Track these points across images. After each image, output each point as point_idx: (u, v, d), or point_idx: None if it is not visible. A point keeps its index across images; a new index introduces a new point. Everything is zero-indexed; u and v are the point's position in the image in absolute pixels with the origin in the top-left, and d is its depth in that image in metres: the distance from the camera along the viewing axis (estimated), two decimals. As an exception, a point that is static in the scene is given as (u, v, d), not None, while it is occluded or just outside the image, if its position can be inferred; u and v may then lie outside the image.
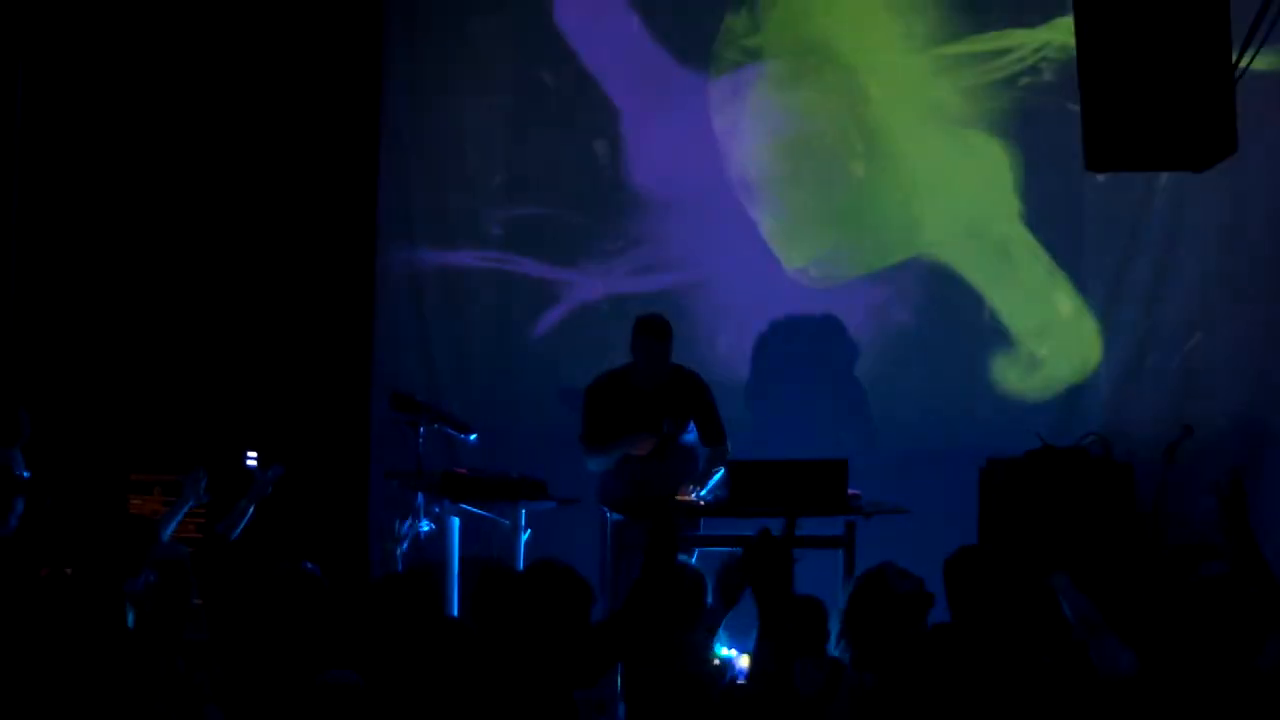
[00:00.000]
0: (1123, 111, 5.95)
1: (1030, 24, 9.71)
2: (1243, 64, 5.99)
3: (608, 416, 8.42)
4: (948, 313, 9.84)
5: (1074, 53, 6.21)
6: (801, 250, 9.87)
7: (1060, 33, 9.29)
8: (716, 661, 6.69)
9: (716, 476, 8.16)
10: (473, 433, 8.58)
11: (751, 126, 9.93)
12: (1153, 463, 8.76)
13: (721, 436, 8.54)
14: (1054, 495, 8.65)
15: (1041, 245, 9.76)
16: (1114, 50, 5.97)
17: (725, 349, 9.74)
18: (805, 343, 9.84)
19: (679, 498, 8.08)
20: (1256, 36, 6.08)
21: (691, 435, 8.53)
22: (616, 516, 8.13)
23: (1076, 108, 6.17)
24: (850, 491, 7.99)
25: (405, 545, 8.33)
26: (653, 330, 8.37)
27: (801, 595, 5.98)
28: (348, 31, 9.84)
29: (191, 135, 9.79)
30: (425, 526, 8.38)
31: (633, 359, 8.47)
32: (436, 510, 8.39)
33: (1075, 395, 9.74)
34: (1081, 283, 9.78)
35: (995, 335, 9.81)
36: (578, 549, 8.22)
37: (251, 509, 7.85)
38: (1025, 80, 9.75)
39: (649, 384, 8.44)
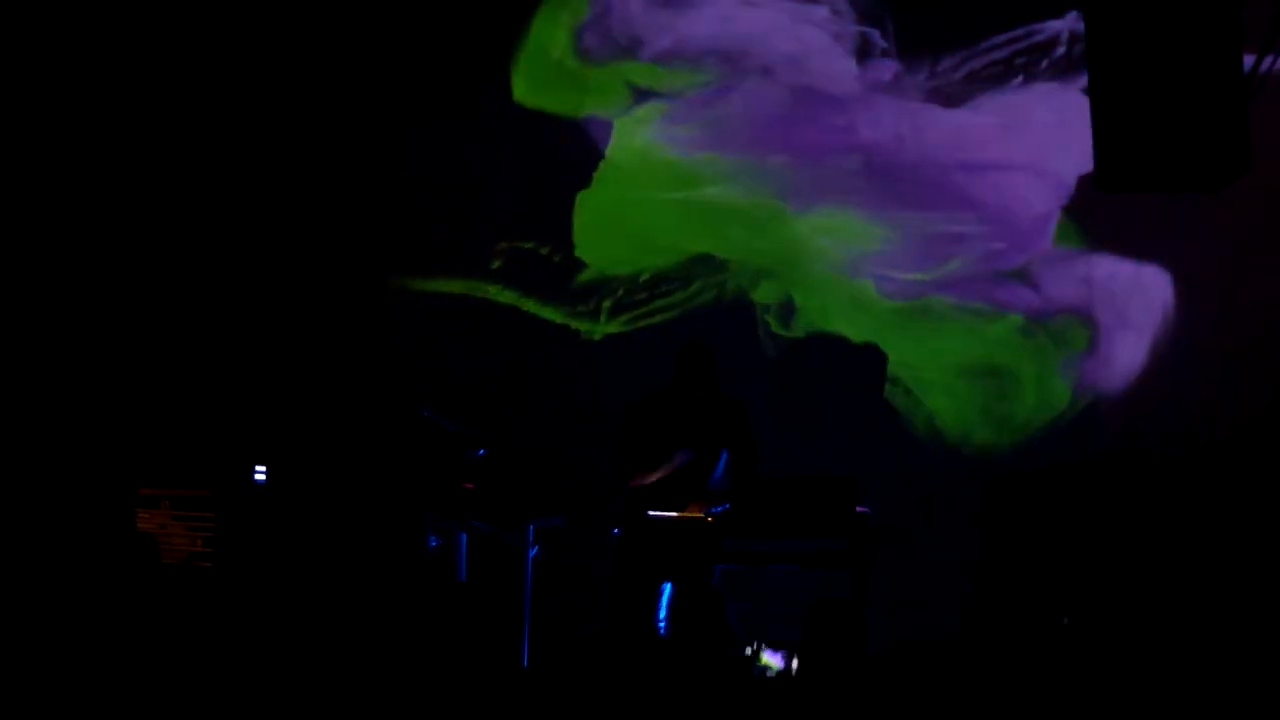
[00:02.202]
0: (1134, 133, 5.96)
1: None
2: (1254, 85, 6.00)
3: (646, 437, 8.45)
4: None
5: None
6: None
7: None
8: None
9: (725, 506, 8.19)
10: (481, 448, 8.57)
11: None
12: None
13: (754, 461, 8.56)
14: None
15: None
16: (1125, 72, 5.97)
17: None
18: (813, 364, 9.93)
19: (689, 513, 8.08)
20: (1267, 57, 6.09)
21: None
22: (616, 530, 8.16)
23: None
24: (860, 509, 7.97)
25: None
26: (697, 355, 8.42)
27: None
28: (373, 87, 10.26)
29: (225, 170, 10.02)
30: (432, 542, 8.37)
31: (675, 382, 8.47)
32: (444, 526, 8.38)
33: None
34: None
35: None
36: (586, 565, 8.32)
37: None
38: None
39: (689, 407, 8.46)
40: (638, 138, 10.17)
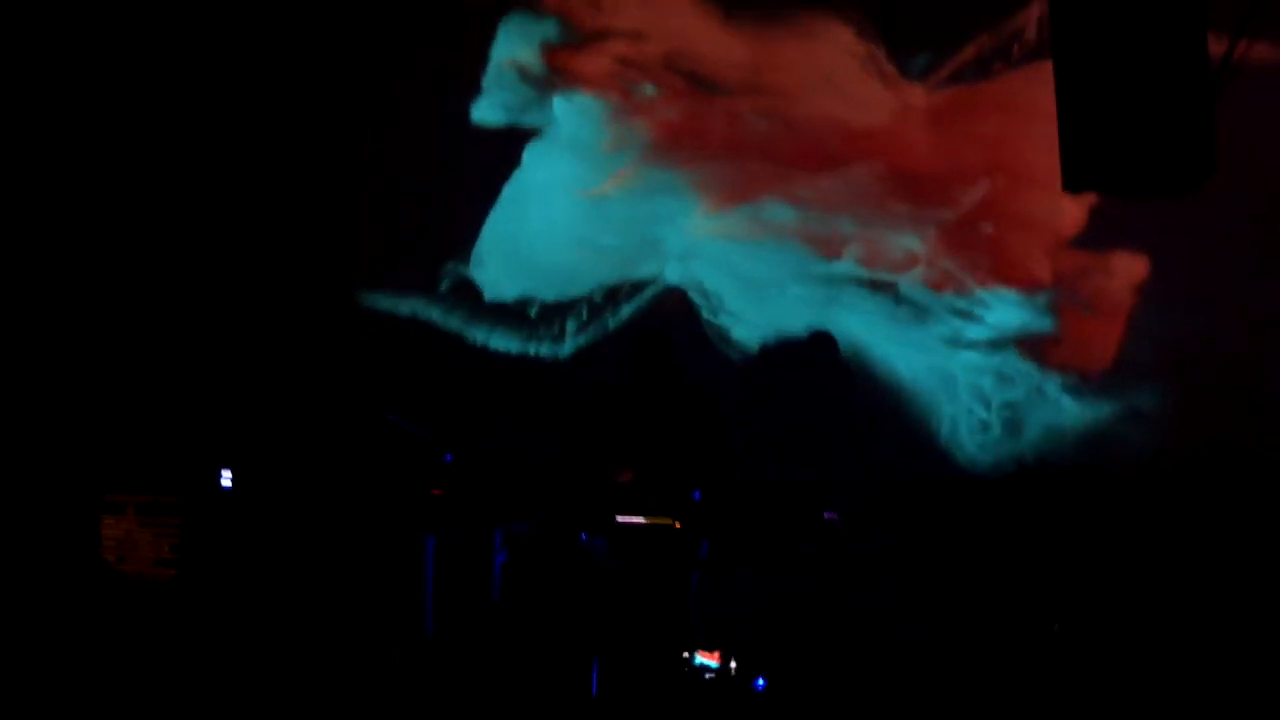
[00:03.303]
0: (1101, 134, 5.97)
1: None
2: (1219, 89, 6.03)
3: (607, 431, 8.44)
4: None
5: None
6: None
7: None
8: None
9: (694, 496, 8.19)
10: (448, 453, 8.52)
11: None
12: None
13: (728, 466, 8.46)
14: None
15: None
16: (1092, 73, 5.99)
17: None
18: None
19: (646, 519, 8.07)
20: (1231, 62, 6.11)
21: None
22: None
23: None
24: (828, 516, 7.96)
25: None
26: (653, 345, 8.39)
27: None
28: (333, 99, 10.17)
29: (189, 180, 9.99)
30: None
31: (635, 375, 8.45)
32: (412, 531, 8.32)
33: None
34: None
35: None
36: (556, 570, 8.31)
37: None
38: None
39: (651, 399, 8.43)
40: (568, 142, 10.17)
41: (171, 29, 9.96)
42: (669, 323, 9.68)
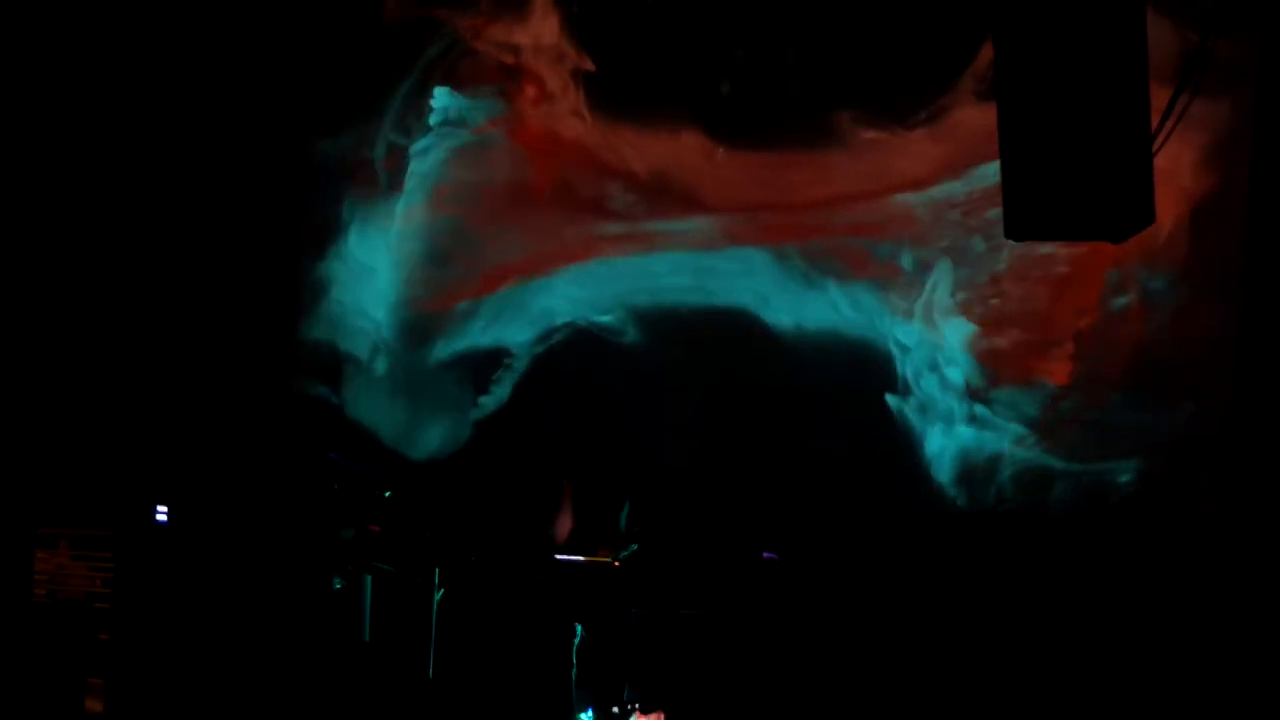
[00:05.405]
0: (1043, 183, 6.03)
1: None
2: (1159, 141, 6.09)
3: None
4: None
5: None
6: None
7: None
8: None
9: (632, 548, 8.25)
10: (387, 490, 8.52)
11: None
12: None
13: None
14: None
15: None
16: (1034, 123, 6.05)
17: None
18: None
19: (598, 558, 8.12)
20: (1173, 111, 6.18)
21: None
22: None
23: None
24: (766, 555, 8.01)
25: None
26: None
27: None
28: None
29: (131, 211, 9.92)
30: (336, 584, 8.30)
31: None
32: (349, 567, 8.30)
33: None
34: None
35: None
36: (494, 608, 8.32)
37: None
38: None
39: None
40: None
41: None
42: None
